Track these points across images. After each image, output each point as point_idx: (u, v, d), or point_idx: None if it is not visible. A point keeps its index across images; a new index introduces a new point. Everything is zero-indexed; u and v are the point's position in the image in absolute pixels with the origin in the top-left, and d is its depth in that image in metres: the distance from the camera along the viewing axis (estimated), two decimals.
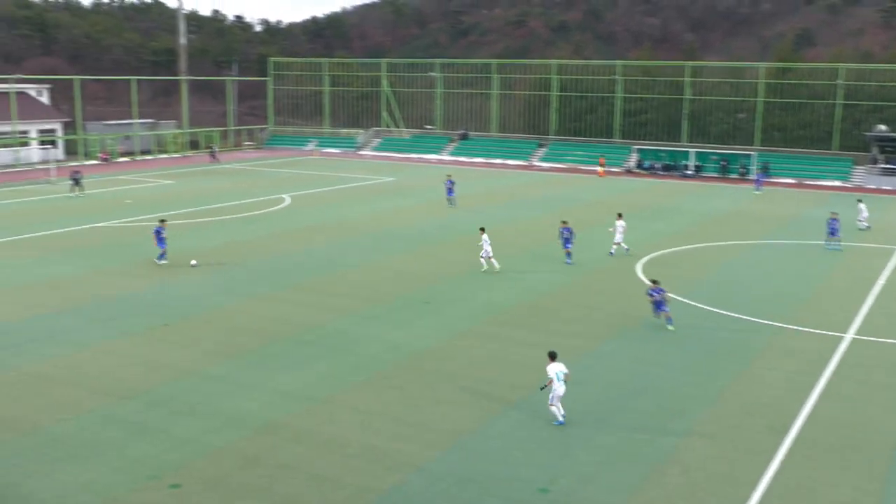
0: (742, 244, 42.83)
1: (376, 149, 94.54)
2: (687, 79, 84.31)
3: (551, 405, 19.56)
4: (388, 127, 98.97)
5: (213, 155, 79.84)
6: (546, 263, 37.06)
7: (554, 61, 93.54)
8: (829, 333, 27.05)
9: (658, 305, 27.31)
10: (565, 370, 19.70)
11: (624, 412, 20.28)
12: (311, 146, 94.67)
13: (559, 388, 19.44)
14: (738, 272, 36.18)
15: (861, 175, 73.88)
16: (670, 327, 27.00)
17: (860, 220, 48.05)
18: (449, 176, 56.86)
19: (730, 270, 36.38)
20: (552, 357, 19.92)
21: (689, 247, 41.71)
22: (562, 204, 54.71)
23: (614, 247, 38.93)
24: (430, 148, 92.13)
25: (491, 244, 35.51)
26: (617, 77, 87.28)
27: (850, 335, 26.91)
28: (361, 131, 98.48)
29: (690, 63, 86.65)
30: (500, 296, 31.05)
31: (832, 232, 41.52)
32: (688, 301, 30.74)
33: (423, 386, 21.71)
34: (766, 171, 73.32)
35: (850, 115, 77.89)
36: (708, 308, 29.80)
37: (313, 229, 44.53)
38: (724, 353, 24.97)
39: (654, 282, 28.00)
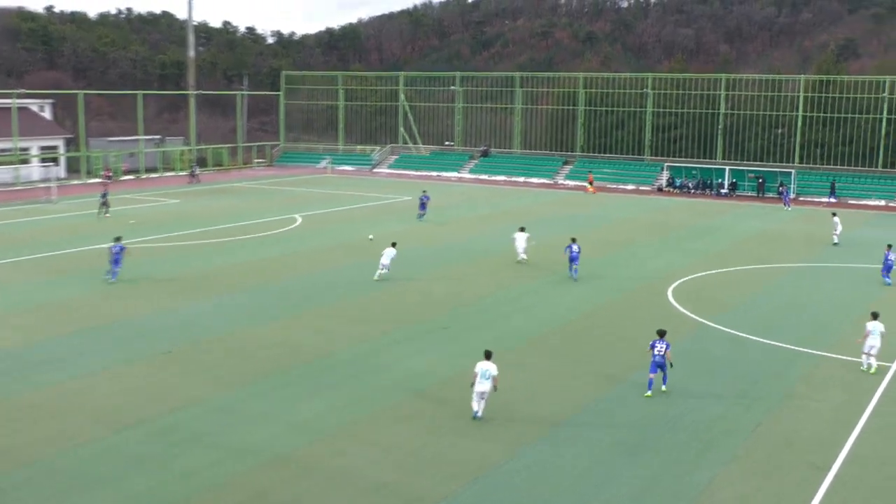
0: (781, 267, 42.54)
1: (392, 166, 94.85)
2: (722, 92, 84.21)
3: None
4: (405, 143, 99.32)
5: (193, 175, 79.36)
6: (571, 287, 36.96)
7: (581, 74, 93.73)
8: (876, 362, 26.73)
9: (658, 366, 23.57)
10: (494, 372, 21.38)
11: (657, 445, 20.10)
12: (324, 164, 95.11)
13: (479, 385, 21.32)
14: (777, 297, 35.90)
15: None
16: (648, 393, 23.76)
17: (834, 234, 49.61)
18: (424, 191, 58.13)
19: (769, 295, 36.11)
20: (487, 356, 21.79)
21: (724, 270, 41.48)
22: (587, 223, 54.58)
23: (523, 255, 41.43)
24: (450, 165, 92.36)
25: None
26: (647, 91, 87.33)
27: None
28: (377, 148, 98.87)
29: (725, 75, 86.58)
30: (524, 322, 30.96)
31: (888, 268, 39.80)
32: (723, 328, 30.52)
33: (444, 417, 21.61)
34: (786, 187, 73.27)
35: (895, 130, 77.43)
36: (745, 335, 29.56)
37: (328, 251, 44.63)
38: (763, 383, 24.74)
39: (660, 333, 24.05)
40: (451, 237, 49.72)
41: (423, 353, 26.93)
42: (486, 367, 21.61)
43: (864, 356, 26.24)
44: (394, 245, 39.02)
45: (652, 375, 23.70)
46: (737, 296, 35.78)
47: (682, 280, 38.71)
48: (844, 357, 27.35)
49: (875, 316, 26.74)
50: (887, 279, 39.41)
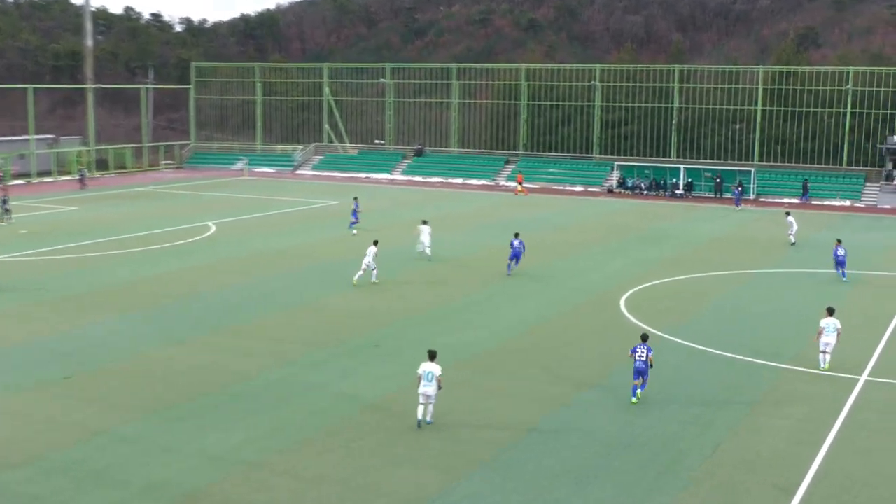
0: (741, 273, 43.37)
1: (317, 167, 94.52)
2: (675, 84, 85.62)
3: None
4: (330, 142, 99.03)
5: (82, 180, 77.84)
6: (514, 298, 37.23)
7: (523, 65, 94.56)
8: (841, 375, 27.40)
9: (640, 372, 24.84)
10: (438, 372, 22.35)
11: (608, 470, 20.33)
12: (240, 165, 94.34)
13: (422, 387, 22.26)
14: (737, 306, 36.60)
15: (873, 193, 75.32)
16: (639, 394, 24.98)
17: (790, 235, 51.74)
18: (356, 198, 57.43)
19: (727, 304, 36.79)
20: (431, 356, 22.72)
21: (680, 277, 42.15)
22: (531, 229, 54.99)
23: (427, 249, 42.89)
24: (380, 166, 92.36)
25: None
26: (595, 83, 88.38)
27: (864, 377, 27.30)
28: (300, 147, 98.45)
29: (678, 66, 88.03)
30: (464, 337, 31.09)
31: (840, 263, 41.82)
32: (679, 340, 31.02)
33: (376, 443, 21.59)
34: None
35: (859, 124, 79.50)
36: (702, 348, 30.08)
37: (244, 262, 44.31)
38: (722, 398, 25.18)
39: (643, 338, 25.66)
40: (382, 246, 49.63)
41: (352, 375, 26.87)
42: (430, 369, 22.48)
43: (820, 355, 27.86)
44: (375, 243, 40.17)
45: (636, 382, 24.77)
46: (693, 305, 36.39)
47: (635, 289, 39.23)
48: (808, 370, 27.98)
49: (830, 312, 28.31)
50: (843, 275, 41.65)
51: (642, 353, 24.85)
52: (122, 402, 24.30)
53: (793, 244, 51.45)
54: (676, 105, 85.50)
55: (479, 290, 38.63)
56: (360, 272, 39.24)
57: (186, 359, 28.25)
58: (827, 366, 27.77)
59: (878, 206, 73.05)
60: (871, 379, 27.18)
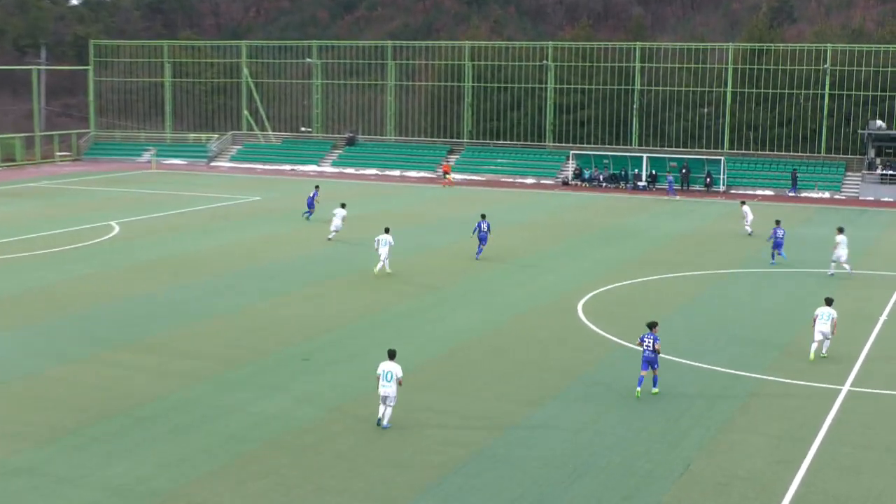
0: (711, 274, 43.84)
1: (235, 158, 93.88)
2: (636, 64, 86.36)
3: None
4: (250, 130, 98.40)
5: None
6: (460, 307, 37.28)
7: (467, 43, 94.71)
8: (822, 386, 27.81)
9: (648, 362, 26.56)
10: (399, 373, 23.56)
11: (567, 498, 20.40)
12: (147, 157, 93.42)
13: (382, 388, 23.56)
14: (707, 311, 36.99)
15: (855, 184, 76.59)
16: (655, 390, 26.83)
17: (745, 225, 54.66)
18: (317, 187, 60.74)
19: (696, 309, 37.17)
20: (390, 355, 24.05)
21: (643, 279, 42.49)
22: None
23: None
24: (307, 157, 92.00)
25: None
26: (547, 63, 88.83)
27: (846, 387, 27.73)
28: (215, 136, 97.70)
29: (640, 44, 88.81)
30: (404, 348, 30.89)
31: (779, 244, 46.14)
32: None
33: (303, 470, 21.48)
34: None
35: (839, 107, 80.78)
36: (670, 357, 30.30)
37: (152, 267, 43.87)
38: (692, 414, 25.40)
39: (650, 325, 27.15)
40: (311, 247, 49.48)
41: (278, 392, 26.69)
42: (389, 368, 23.66)
43: (813, 344, 30.14)
44: (387, 231, 42.61)
45: (643, 373, 26.36)
46: (659, 310, 36.64)
47: (594, 293, 39.47)
48: (785, 380, 28.35)
49: (829, 302, 30.54)
50: (783, 256, 45.96)
51: (650, 342, 26.45)
52: (11, 430, 23.89)
53: (749, 234, 53.60)
54: (638, 87, 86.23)
55: (420, 297, 38.62)
56: (383, 264, 42.03)
57: (87, 378, 27.85)
58: (813, 356, 29.98)
59: (860, 198, 74.35)
60: (853, 389, 27.60)
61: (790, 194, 75.27)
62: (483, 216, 47.14)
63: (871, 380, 28.53)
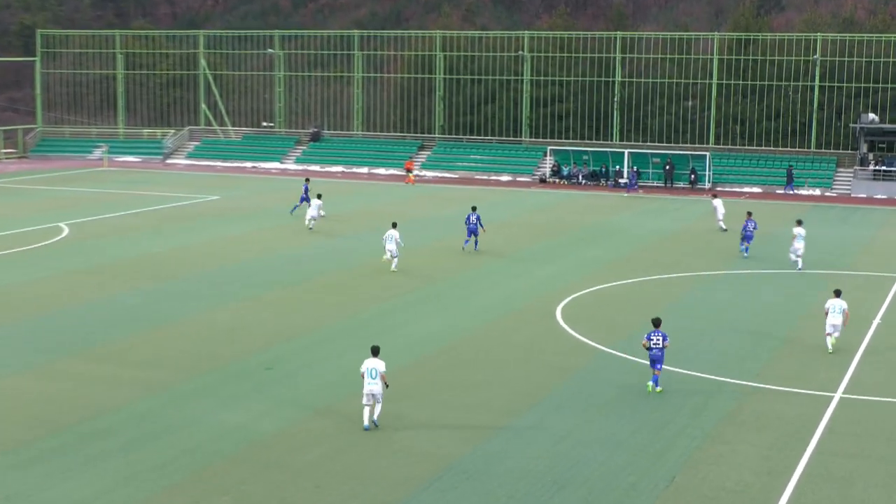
0: (697, 276, 44.02)
1: (193, 155, 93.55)
2: (617, 55, 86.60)
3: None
4: (208, 125, 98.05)
5: None
6: (433, 310, 37.27)
7: (438, 33, 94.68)
8: (813, 393, 27.97)
9: (655, 361, 27.58)
10: (382, 369, 24.31)
11: None
12: (98, 153, 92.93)
13: (367, 386, 24.15)
14: (693, 315, 37.12)
15: (846, 180, 77.06)
16: (658, 389, 27.77)
17: (718, 221, 55.40)
18: (307, 180, 62.79)
19: (681, 312, 37.27)
20: (374, 352, 24.77)
21: (625, 281, 42.62)
22: (451, 228, 55.11)
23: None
24: (270, 153, 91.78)
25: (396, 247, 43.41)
26: (523, 53, 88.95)
27: (838, 394, 27.90)
28: (171, 132, 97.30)
29: (621, 34, 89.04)
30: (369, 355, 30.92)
31: (748, 238, 47.92)
32: (626, 356, 31.33)
33: (266, 486, 21.42)
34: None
35: (829, 100, 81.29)
36: None
37: (105, 270, 43.66)
38: (678, 423, 25.48)
39: (656, 323, 28.21)
40: (275, 249, 49.37)
41: (239, 403, 26.61)
42: (373, 365, 24.38)
43: (827, 337, 31.87)
44: (395, 226, 44.53)
45: (657, 371, 27.54)
46: (641, 314, 36.68)
47: (573, 296, 39.56)
48: (775, 387, 28.50)
49: (837, 294, 32.15)
50: (745, 251, 47.84)
51: (657, 339, 27.39)
52: None
53: (724, 231, 54.61)
54: (619, 79, 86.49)
55: (390, 300, 38.58)
56: (390, 256, 43.58)
57: (33, 390, 27.65)
58: (831, 348, 31.76)
59: (852, 195, 74.84)
60: (846, 396, 27.77)
61: (785, 192, 75.64)
62: (473, 208, 49.46)
63: (864, 386, 28.71)
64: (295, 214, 58.18)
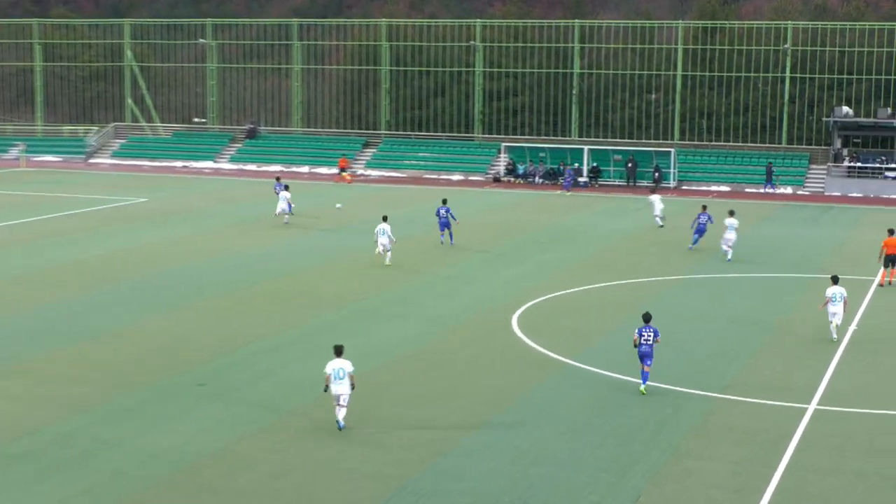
0: (660, 281, 44.28)
1: (118, 154, 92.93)
2: (575, 45, 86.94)
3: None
4: (135, 121, 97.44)
5: None
6: (378, 322, 37.21)
7: (383, 21, 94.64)
8: (785, 405, 28.18)
9: (645, 357, 28.67)
10: (349, 369, 25.13)
11: None
12: (15, 153, 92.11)
13: (334, 387, 25.03)
14: (657, 322, 37.11)
15: (820, 177, 77.82)
16: (642, 388, 28.76)
17: (656, 217, 57.94)
18: (279, 178, 65.05)
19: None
20: (338, 352, 25.55)
21: (585, 287, 42.78)
22: (399, 231, 55.15)
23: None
24: (202, 151, 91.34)
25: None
26: (475, 43, 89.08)
27: (812, 405, 28.14)
28: (94, 129, 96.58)
29: (579, 22, 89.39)
30: (308, 371, 30.81)
31: (700, 231, 50.39)
32: (587, 367, 31.44)
33: None
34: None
35: (801, 92, 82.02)
36: (616, 376, 30.55)
37: (24, 280, 43.31)
38: (642, 439, 25.58)
39: (646, 318, 29.33)
40: (212, 255, 49.13)
41: (171, 423, 26.42)
42: (340, 366, 25.25)
43: (830, 325, 34.58)
44: (385, 219, 46.86)
45: (647, 368, 28.62)
46: (603, 322, 36.96)
47: (530, 304, 39.65)
48: (745, 399, 28.69)
49: (835, 280, 35.24)
50: (695, 242, 50.42)
51: (648, 335, 28.67)
52: None
53: (661, 227, 57.05)
54: (577, 71, 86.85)
55: (336, 310, 38.46)
56: (381, 250, 46.07)
57: None
58: (834, 338, 34.29)
59: (826, 193, 75.61)
60: (820, 408, 28.01)
61: (766, 190, 76.24)
62: (444, 201, 52.28)
63: (840, 397, 28.96)
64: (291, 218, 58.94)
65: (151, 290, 41.34)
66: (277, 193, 61.01)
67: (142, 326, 35.95)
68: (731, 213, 49.20)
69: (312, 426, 26.02)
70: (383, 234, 46.14)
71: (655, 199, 58.79)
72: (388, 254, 46.11)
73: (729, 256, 47.89)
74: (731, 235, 48.05)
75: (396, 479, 22.86)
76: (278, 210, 57.86)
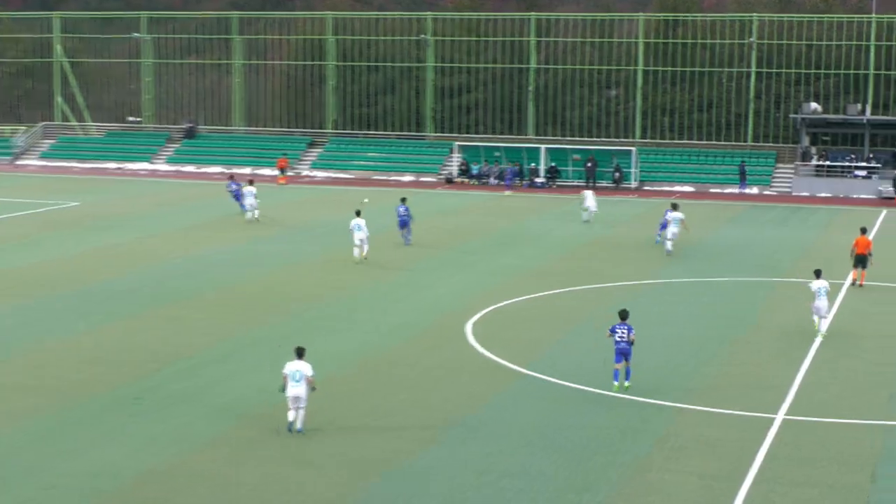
0: (622, 286, 44.45)
1: (47, 155, 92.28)
2: (531, 39, 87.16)
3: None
4: (65, 121, 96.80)
5: None
6: (322, 333, 37.09)
7: (329, 14, 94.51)
8: (752, 415, 28.33)
9: (623, 354, 29.54)
10: (308, 372, 25.79)
11: None
12: None
13: (290, 389, 25.75)
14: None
15: (787, 177, 78.41)
16: (627, 384, 29.75)
17: (587, 210, 59.85)
18: (232, 177, 65.51)
19: (605, 328, 37.54)
20: (298, 354, 26.25)
21: (542, 294, 42.88)
22: (342, 236, 55.08)
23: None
24: (137, 152, 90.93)
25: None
26: (426, 38, 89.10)
27: (780, 416, 28.33)
28: (22, 129, 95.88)
29: (536, 15, 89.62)
30: (258, 384, 30.73)
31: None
32: (545, 377, 31.44)
33: None
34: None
35: (767, 88, 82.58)
36: (575, 385, 30.60)
37: None
38: (605, 452, 25.61)
39: (622, 315, 30.08)
40: (152, 261, 48.88)
41: (105, 440, 26.20)
42: (297, 368, 25.97)
43: (814, 318, 36.01)
44: (358, 214, 48.66)
45: (617, 366, 29.52)
46: (561, 330, 37.03)
47: (484, 311, 39.67)
48: (710, 409, 28.83)
49: (818, 274, 36.43)
50: (658, 239, 52.34)
51: (623, 332, 29.42)
52: None
53: (586, 221, 59.17)
54: (534, 66, 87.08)
55: (282, 320, 38.31)
56: (358, 248, 48.00)
57: None
58: (823, 333, 35.72)
59: (793, 193, 76.19)
60: (789, 418, 28.18)
61: (740, 191, 76.71)
62: (403, 199, 53.84)
63: (809, 406, 29.14)
64: (251, 216, 60.36)
65: (86, 301, 40.98)
66: (233, 193, 62.25)
67: (81, 337, 35.63)
68: (675, 207, 51.37)
69: (259, 437, 25.93)
70: (359, 230, 48.02)
71: (588, 193, 61.15)
72: (366, 247, 48.19)
73: (668, 248, 50.15)
74: (676, 229, 49.96)
75: (343, 499, 22.69)
76: (247, 208, 59.81)
